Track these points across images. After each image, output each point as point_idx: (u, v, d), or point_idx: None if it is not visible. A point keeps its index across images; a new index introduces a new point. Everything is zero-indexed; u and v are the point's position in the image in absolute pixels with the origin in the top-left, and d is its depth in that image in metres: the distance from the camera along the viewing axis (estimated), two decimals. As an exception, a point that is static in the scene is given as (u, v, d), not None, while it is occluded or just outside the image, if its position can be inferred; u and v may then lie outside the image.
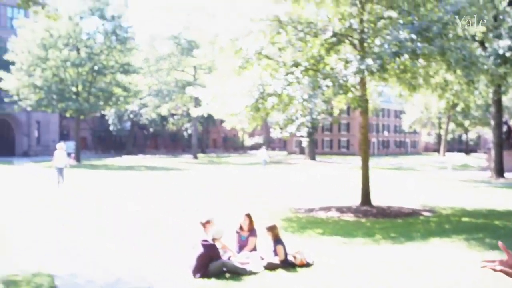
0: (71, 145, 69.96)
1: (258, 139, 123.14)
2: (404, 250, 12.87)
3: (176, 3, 78.09)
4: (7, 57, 58.18)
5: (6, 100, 61.83)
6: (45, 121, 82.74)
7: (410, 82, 19.74)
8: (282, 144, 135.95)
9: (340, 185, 33.71)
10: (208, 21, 22.00)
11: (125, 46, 59.65)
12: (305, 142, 77.64)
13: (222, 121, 48.65)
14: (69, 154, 37.15)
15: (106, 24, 59.52)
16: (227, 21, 18.87)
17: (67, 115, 60.34)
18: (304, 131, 60.72)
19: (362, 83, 19.91)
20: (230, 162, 70.15)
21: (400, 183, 36.25)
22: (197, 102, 64.41)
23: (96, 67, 58.04)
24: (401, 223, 17.58)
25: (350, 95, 19.03)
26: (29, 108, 60.53)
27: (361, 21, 19.08)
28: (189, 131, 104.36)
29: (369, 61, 16.69)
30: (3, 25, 77.40)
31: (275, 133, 21.01)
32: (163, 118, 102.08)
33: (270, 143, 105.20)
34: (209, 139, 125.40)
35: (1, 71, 57.83)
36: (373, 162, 54.69)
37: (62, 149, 28.80)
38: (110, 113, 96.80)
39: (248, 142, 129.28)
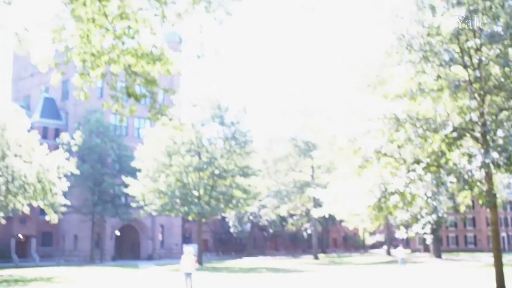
0: (193, 247, 71.45)
1: (380, 237, 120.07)
2: None
3: (293, 106, 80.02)
4: (134, 164, 61.69)
5: (133, 205, 64.83)
6: (168, 225, 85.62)
7: (541, 173, 18.76)
8: (405, 242, 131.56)
9: (471, 284, 31.81)
10: (325, 122, 22.28)
11: (244, 150, 61.38)
12: (429, 239, 74.67)
13: (342, 220, 47.96)
14: (192, 257, 38.00)
15: (226, 130, 61.84)
16: (344, 121, 19.08)
17: (190, 218, 62.12)
18: (427, 228, 58.61)
19: (488, 177, 19.15)
20: (352, 262, 68.40)
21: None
22: (316, 202, 64.36)
23: (216, 171, 59.88)
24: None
25: (476, 190, 18.32)
26: (154, 213, 63.03)
27: (482, 114, 18.64)
28: (309, 231, 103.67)
29: (494, 154, 16.15)
30: (130, 135, 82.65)
31: (400, 233, 20.52)
32: (283, 219, 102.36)
33: (392, 241, 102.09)
34: (329, 238, 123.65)
35: (129, 178, 61.15)
36: (504, 258, 51.46)
37: (190, 253, 28.74)
38: (230, 215, 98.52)
39: (369, 240, 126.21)
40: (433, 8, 18.65)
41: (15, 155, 44.78)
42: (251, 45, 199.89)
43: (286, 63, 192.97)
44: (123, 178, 63.61)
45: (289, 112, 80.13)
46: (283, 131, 79.97)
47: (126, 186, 63.33)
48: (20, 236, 75.39)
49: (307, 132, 75.10)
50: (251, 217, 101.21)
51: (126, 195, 67.70)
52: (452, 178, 16.85)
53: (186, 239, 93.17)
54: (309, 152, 73.94)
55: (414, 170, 17.86)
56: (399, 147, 18.77)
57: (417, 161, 18.29)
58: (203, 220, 63.21)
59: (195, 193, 60.08)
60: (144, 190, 59.57)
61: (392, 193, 17.44)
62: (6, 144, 44.41)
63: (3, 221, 49.28)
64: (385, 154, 18.63)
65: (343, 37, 22.20)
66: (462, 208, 25.62)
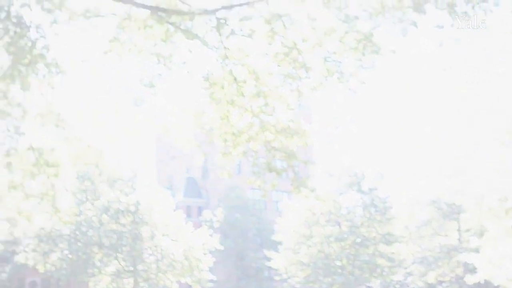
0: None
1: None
2: None
3: (431, 168, 77.36)
4: (274, 237, 62.12)
5: (276, 278, 64.81)
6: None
7: None
8: None
9: None
10: (470, 182, 21.40)
11: (384, 216, 60.09)
12: None
13: (498, 286, 45.00)
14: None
15: (364, 197, 60.97)
16: (492, 180, 18.16)
17: (334, 289, 60.94)
18: None
19: None
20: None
21: None
22: (466, 267, 60.98)
23: (358, 240, 58.82)
24: None
25: None
26: (297, 285, 62.52)
27: None
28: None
29: None
30: (269, 209, 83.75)
31: None
32: (431, 286, 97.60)
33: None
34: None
35: (270, 251, 61.43)
36: None
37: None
38: (375, 284, 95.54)
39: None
40: None
41: (163, 235, 46.88)
42: (382, 108, 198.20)
43: (420, 123, 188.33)
44: (265, 251, 64.03)
45: (428, 174, 77.50)
46: (424, 195, 77.20)
47: (268, 259, 63.61)
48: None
49: (450, 194, 71.98)
50: (397, 286, 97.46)
51: (269, 268, 67.90)
52: None
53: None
54: (454, 215, 70.64)
55: None
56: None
57: None
58: (348, 290, 61.77)
59: (338, 263, 59.12)
60: (286, 262, 59.51)
61: (554, 254, 16.19)
62: (154, 224, 46.77)
63: (155, 298, 51.05)
64: (541, 212, 17.44)
65: (481, 92, 21.51)
66: None
